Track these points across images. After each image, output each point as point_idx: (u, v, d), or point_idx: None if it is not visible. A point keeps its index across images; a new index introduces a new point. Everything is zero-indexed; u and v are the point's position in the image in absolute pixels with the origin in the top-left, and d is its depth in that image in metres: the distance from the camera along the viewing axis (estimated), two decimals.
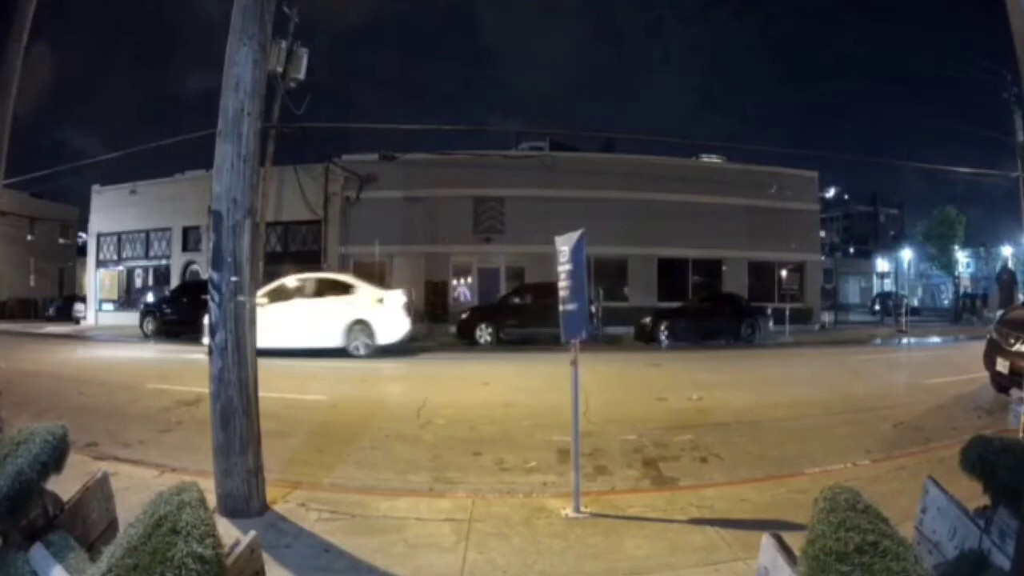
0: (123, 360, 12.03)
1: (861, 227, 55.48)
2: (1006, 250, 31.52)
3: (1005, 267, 10.01)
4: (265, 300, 10.72)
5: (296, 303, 11.50)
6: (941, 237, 33.16)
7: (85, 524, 1.91)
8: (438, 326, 18.13)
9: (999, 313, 8.77)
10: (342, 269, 19.72)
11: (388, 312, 11.29)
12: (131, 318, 19.15)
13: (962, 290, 31.43)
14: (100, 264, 23.90)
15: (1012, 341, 7.09)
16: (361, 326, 11.14)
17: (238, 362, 3.50)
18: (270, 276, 19.07)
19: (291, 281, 12.17)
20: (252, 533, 1.62)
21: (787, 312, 17.88)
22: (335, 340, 10.99)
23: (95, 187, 23.78)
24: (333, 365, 10.59)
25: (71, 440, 1.86)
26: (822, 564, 1.21)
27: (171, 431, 5.77)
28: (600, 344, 14.24)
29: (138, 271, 23.47)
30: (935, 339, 18.16)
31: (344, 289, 11.60)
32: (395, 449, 5.27)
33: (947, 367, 8.53)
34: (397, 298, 11.75)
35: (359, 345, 11.15)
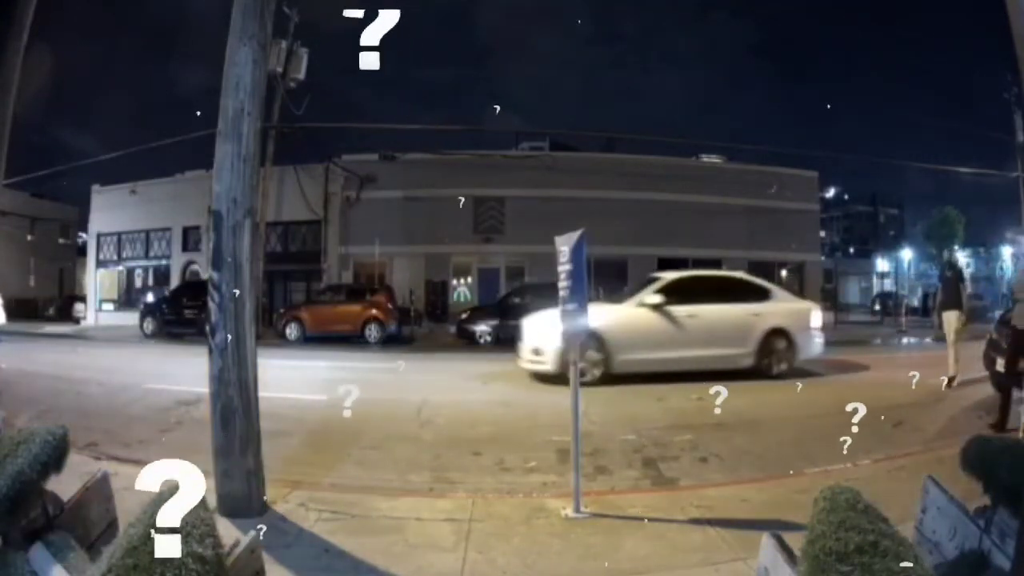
0: (123, 360, 12.01)
1: (861, 227, 55.32)
2: (1006, 250, 31.49)
3: (950, 264, 9.75)
4: None
5: None
6: (941, 237, 33.16)
7: (85, 524, 1.91)
8: (438, 326, 18.13)
9: (944, 314, 8.80)
10: (342, 269, 19.79)
11: None
12: (131, 318, 19.12)
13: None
14: (100, 264, 23.90)
15: None
16: None
17: (238, 362, 3.51)
18: (270, 276, 19.33)
19: None
20: (252, 533, 1.62)
21: None
22: None
23: (95, 187, 23.76)
24: (332, 366, 10.60)
25: (71, 440, 1.86)
26: (822, 564, 1.21)
27: (171, 431, 5.77)
28: None
29: (138, 271, 23.47)
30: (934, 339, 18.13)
31: None
32: (395, 449, 5.27)
33: (946, 367, 8.52)
34: None
35: None
